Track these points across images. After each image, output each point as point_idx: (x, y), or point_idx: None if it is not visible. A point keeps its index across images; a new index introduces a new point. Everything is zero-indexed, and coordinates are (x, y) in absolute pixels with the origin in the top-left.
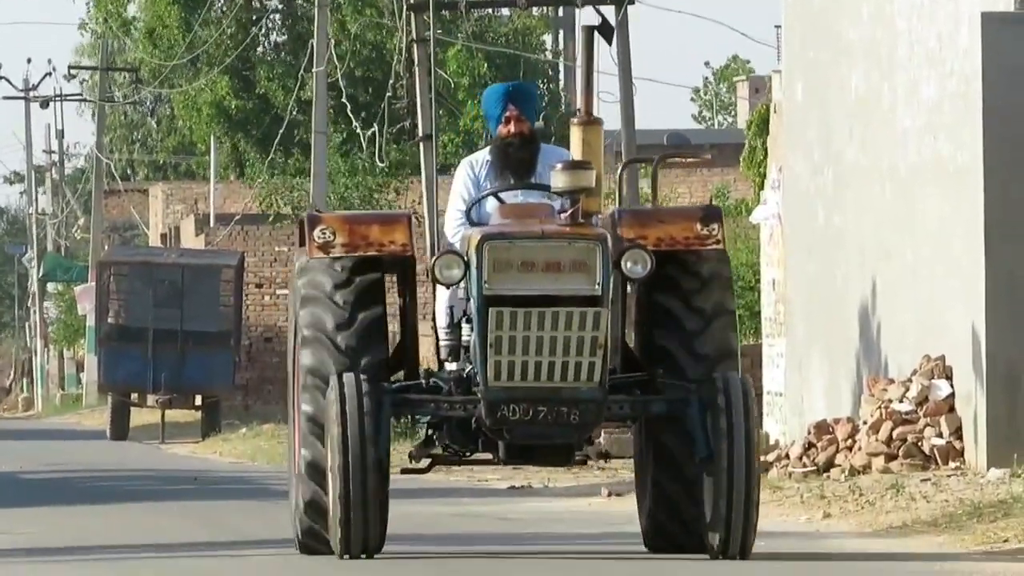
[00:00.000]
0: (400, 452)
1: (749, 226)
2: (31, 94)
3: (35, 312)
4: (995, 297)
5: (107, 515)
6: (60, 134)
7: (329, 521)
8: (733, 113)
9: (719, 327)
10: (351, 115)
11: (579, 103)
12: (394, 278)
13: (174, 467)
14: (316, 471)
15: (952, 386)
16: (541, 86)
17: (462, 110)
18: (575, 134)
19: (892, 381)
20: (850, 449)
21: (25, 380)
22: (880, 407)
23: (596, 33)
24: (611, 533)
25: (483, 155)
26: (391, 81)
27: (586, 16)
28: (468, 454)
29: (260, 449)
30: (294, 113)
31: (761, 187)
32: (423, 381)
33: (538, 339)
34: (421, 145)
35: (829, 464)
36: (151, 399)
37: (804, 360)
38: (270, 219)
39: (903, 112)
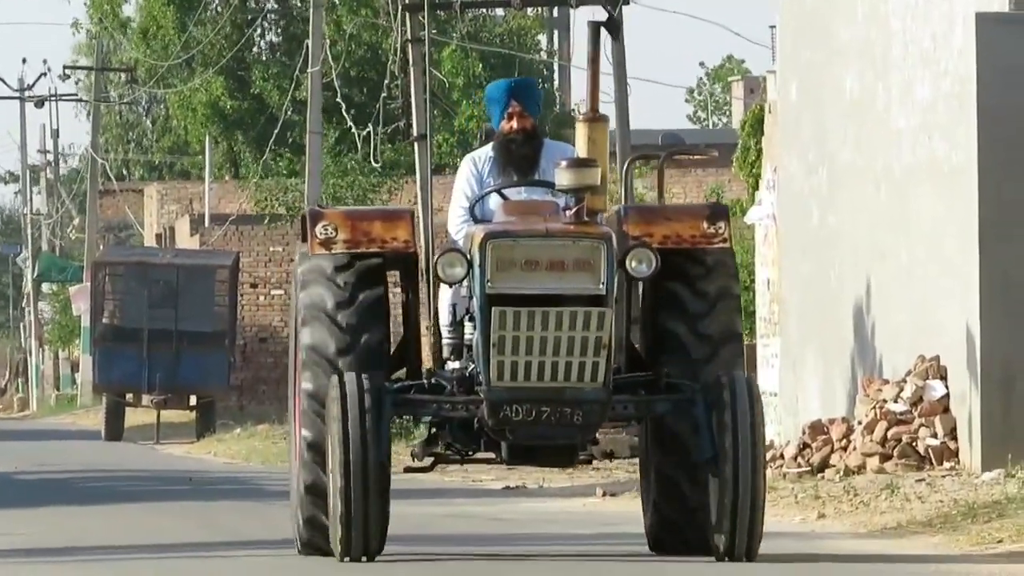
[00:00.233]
0: (396, 452)
1: (744, 226)
2: (26, 94)
3: (30, 312)
4: (989, 297)
5: (102, 515)
6: (55, 134)
7: (329, 519)
8: (728, 113)
9: (723, 309)
10: (346, 115)
11: (585, 99)
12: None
13: (169, 467)
14: (317, 452)
15: (947, 386)
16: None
17: (457, 110)
18: (580, 131)
19: (887, 381)
20: (845, 449)
21: (20, 380)
22: (875, 407)
23: (603, 29)
24: (608, 533)
25: (486, 151)
26: (386, 81)
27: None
28: (471, 454)
29: (255, 449)
30: (289, 113)
31: (755, 187)
32: (425, 381)
33: (542, 339)
34: (416, 145)
35: (824, 464)
36: (146, 399)
37: (799, 360)
38: (265, 220)
39: (897, 112)
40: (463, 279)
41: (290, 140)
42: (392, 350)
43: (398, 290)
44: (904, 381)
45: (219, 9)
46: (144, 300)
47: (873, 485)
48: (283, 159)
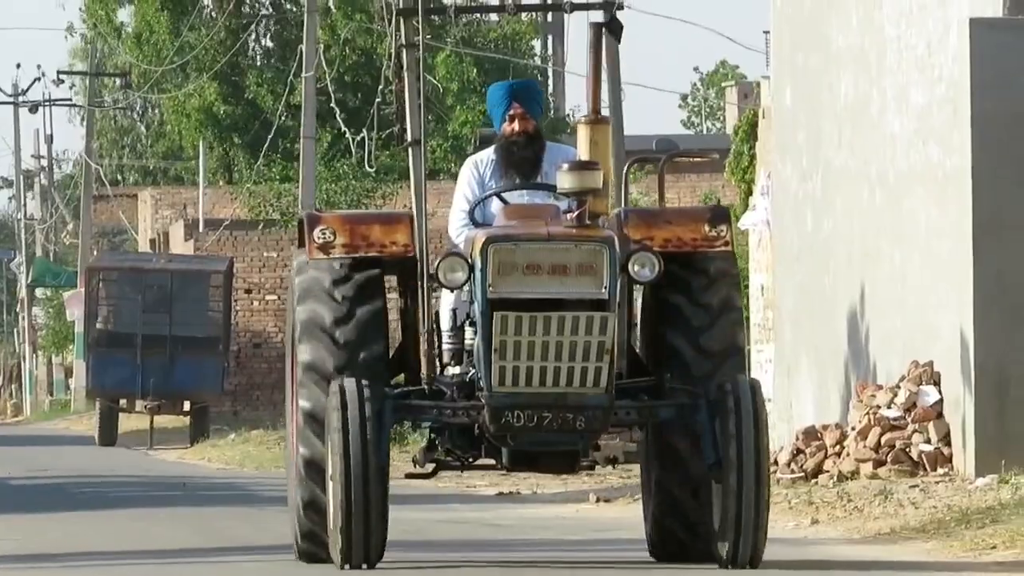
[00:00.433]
0: (391, 458)
1: (737, 232)
2: (20, 99)
3: (24, 318)
4: (984, 303)
5: (95, 521)
6: (49, 139)
7: (329, 528)
8: (722, 119)
9: (726, 323)
10: (339, 120)
11: (581, 103)
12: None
13: (162, 473)
14: (314, 470)
15: (940, 392)
16: None
17: (451, 115)
18: (582, 133)
19: (880, 387)
20: (838, 455)
21: (13, 386)
22: (868, 413)
23: (605, 31)
24: (603, 539)
25: (487, 154)
26: (380, 86)
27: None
28: (471, 460)
29: (248, 455)
30: (284, 119)
31: (748, 193)
32: (425, 386)
33: (544, 344)
34: (410, 150)
35: (817, 470)
36: (139, 405)
37: (793, 366)
38: (259, 225)
39: (892, 118)
40: (464, 283)
41: (281, 148)
42: (390, 355)
43: (395, 295)
44: (898, 387)
45: (213, 14)
46: (138, 305)
47: (867, 491)
48: (277, 164)
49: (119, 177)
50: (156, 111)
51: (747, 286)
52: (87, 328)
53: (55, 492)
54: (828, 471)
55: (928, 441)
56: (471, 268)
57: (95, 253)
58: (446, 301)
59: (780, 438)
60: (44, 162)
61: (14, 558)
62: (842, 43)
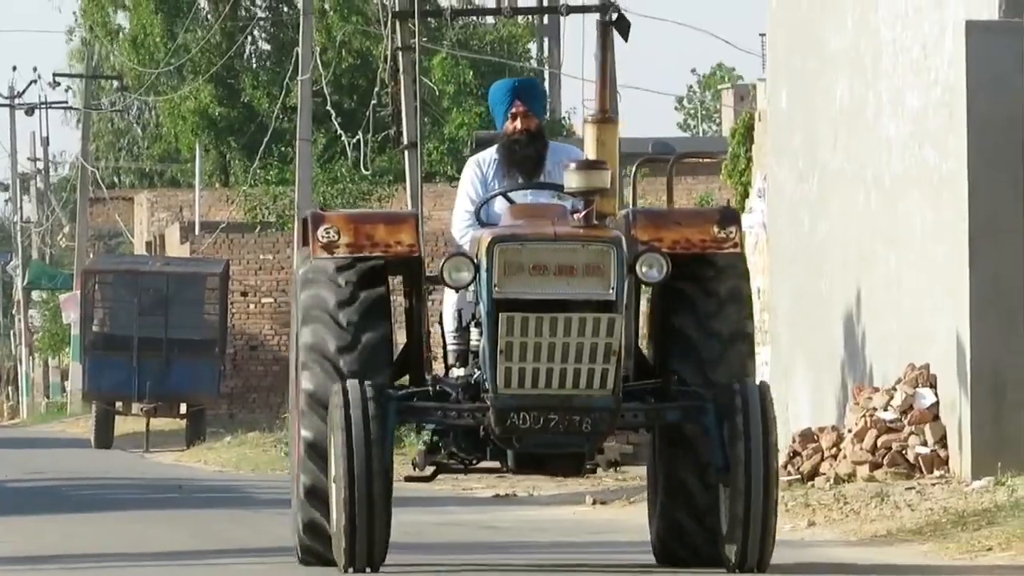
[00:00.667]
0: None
1: None
2: (16, 101)
3: (20, 320)
4: (980, 305)
5: (92, 523)
6: (45, 141)
7: (332, 532)
8: (718, 121)
9: (733, 308)
10: (335, 122)
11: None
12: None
13: (159, 475)
14: (315, 497)
15: (936, 395)
16: None
17: (447, 118)
18: (589, 132)
19: (877, 389)
20: (835, 457)
21: (9, 388)
22: (865, 415)
23: (613, 30)
24: (599, 542)
25: (490, 154)
26: (376, 89)
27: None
28: (474, 462)
29: (245, 457)
30: (280, 121)
31: (744, 195)
32: (430, 388)
33: (550, 345)
34: (406, 153)
35: (814, 473)
36: (136, 407)
37: (789, 368)
38: (255, 227)
39: (888, 121)
40: (469, 284)
41: (278, 150)
42: (395, 356)
43: (400, 297)
44: (894, 389)
45: (209, 17)
46: (134, 308)
47: (863, 493)
48: (273, 167)
49: (115, 180)
50: (152, 114)
51: None
52: (83, 331)
53: (51, 494)
54: (824, 473)
55: (924, 443)
56: (477, 268)
57: (91, 256)
58: (450, 302)
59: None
60: (40, 165)
61: (11, 560)
62: (837, 46)
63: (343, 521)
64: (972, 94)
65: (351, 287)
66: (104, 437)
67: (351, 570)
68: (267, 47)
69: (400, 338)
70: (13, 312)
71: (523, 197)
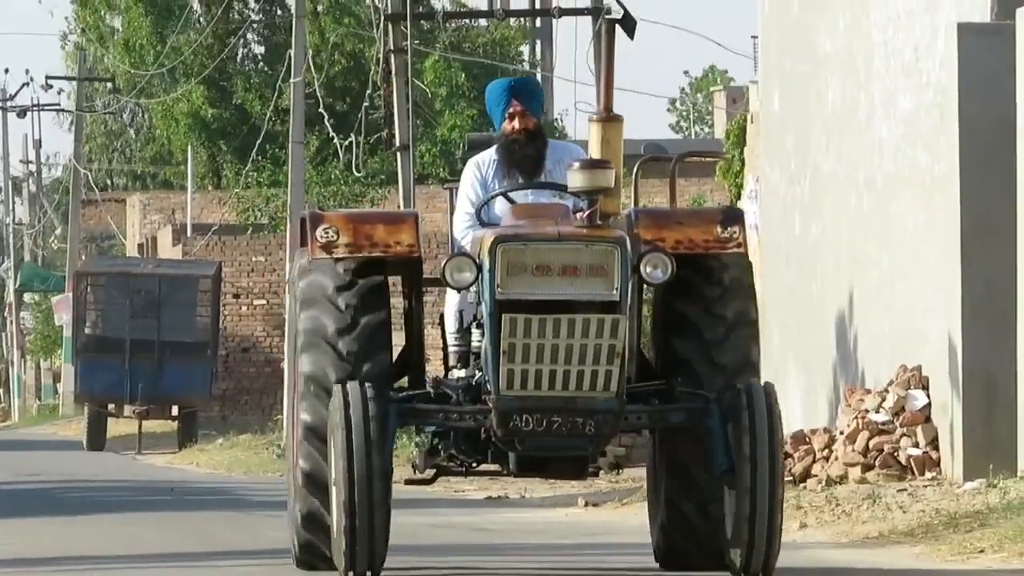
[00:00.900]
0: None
1: None
2: (8, 104)
3: (12, 322)
4: (972, 307)
5: (84, 526)
6: (37, 144)
7: (332, 535)
8: (710, 123)
9: (740, 336)
10: (328, 124)
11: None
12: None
13: (151, 478)
14: (315, 484)
15: (928, 396)
16: None
17: (440, 120)
18: (594, 131)
19: (869, 391)
20: (827, 459)
21: (1, 390)
22: (857, 417)
23: (618, 27)
24: (595, 544)
25: (489, 154)
26: (368, 91)
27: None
28: (475, 465)
29: (237, 459)
30: (272, 123)
31: (738, 197)
32: (430, 390)
33: (553, 346)
34: (398, 155)
35: (806, 474)
36: (128, 409)
37: (781, 370)
38: (247, 229)
39: (880, 123)
40: (471, 284)
41: (270, 152)
42: (394, 357)
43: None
44: (886, 391)
45: (201, 19)
46: (126, 310)
47: (855, 495)
48: (265, 169)
49: (108, 182)
50: (145, 116)
51: None
52: (75, 333)
53: (44, 496)
54: (816, 475)
55: (916, 445)
56: (479, 268)
57: (83, 258)
58: (451, 302)
59: None
60: (32, 167)
61: (4, 562)
62: (830, 48)
63: (343, 523)
64: (964, 96)
65: (349, 275)
66: (96, 439)
67: (351, 574)
68: (259, 49)
69: (399, 339)
70: (5, 314)
71: (523, 197)
